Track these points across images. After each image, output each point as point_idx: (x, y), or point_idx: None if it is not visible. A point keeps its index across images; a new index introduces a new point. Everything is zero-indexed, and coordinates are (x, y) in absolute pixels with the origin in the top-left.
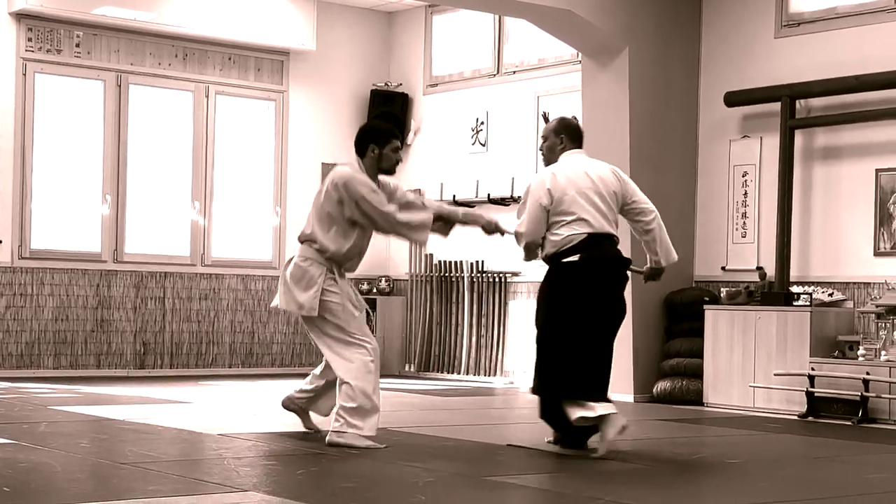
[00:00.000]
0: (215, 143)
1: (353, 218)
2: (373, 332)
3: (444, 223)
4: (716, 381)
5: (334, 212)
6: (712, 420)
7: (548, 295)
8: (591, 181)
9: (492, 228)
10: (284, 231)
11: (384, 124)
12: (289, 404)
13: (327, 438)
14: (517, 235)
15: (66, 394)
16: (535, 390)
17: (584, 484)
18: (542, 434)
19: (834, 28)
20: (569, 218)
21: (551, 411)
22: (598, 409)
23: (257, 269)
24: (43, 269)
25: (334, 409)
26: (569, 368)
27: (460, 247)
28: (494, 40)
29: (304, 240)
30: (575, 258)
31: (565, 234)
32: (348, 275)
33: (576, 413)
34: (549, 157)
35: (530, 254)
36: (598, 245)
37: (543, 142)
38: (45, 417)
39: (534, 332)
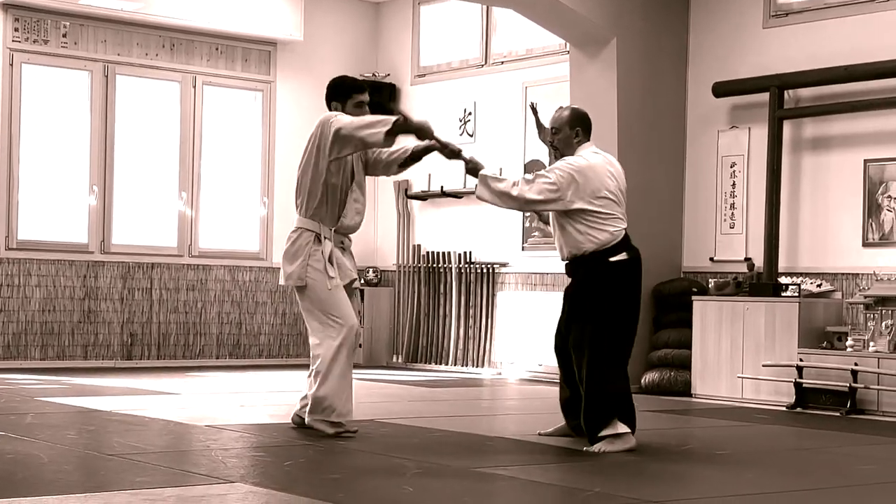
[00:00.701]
0: (202, 133)
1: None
2: (360, 322)
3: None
4: (704, 371)
5: (312, 159)
6: (700, 411)
7: (605, 294)
8: (615, 179)
9: (454, 151)
10: (272, 222)
11: (347, 79)
12: (295, 419)
13: (306, 420)
14: (520, 198)
15: (53, 385)
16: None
17: (572, 475)
18: (530, 425)
19: (822, 18)
20: (607, 217)
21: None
22: (620, 427)
23: (245, 260)
24: (30, 260)
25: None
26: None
27: (448, 238)
28: (482, 30)
29: (297, 207)
30: (623, 256)
31: (610, 231)
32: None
33: (614, 429)
34: (564, 150)
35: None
36: (630, 242)
37: (555, 134)
38: (32, 408)
39: (523, 323)
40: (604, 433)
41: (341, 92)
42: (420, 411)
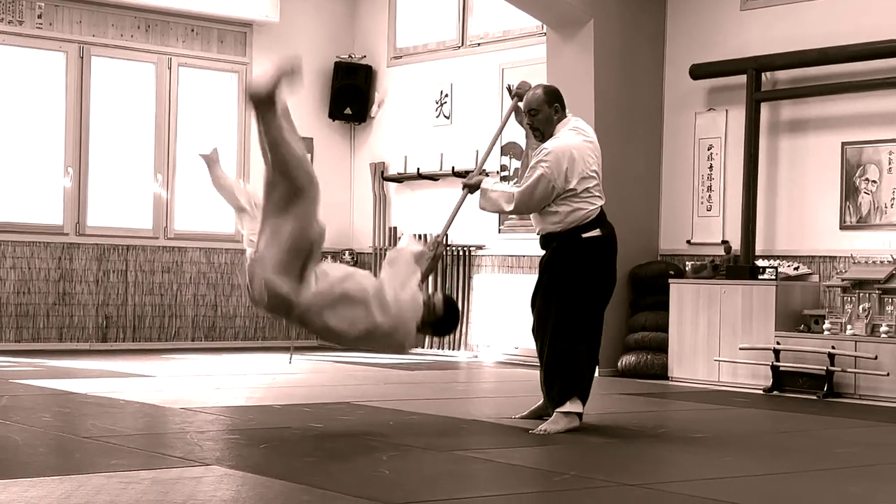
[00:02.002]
0: (178, 115)
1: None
2: None
3: None
4: (681, 355)
5: None
6: (677, 394)
7: (575, 270)
8: (594, 156)
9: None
10: None
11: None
12: None
13: None
14: (514, 203)
15: (28, 367)
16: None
17: (548, 458)
18: (506, 408)
19: (800, 0)
20: (585, 194)
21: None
22: (575, 406)
23: (220, 243)
24: (4, 242)
25: None
26: (587, 353)
27: (424, 220)
28: (459, 12)
29: None
30: (596, 233)
31: (586, 208)
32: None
33: (573, 407)
34: (545, 129)
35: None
36: (606, 218)
37: (534, 115)
38: (7, 391)
39: (499, 306)
40: (561, 410)
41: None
42: (396, 394)
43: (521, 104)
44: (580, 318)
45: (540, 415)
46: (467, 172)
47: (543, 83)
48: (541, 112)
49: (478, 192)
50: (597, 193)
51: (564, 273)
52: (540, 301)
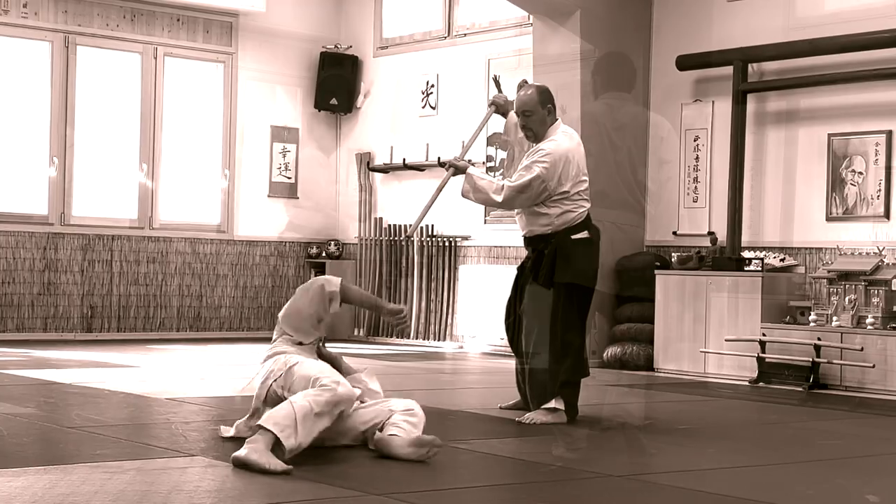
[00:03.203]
0: (163, 105)
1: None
2: None
3: None
4: (666, 346)
5: None
6: (663, 386)
7: (564, 271)
8: (584, 159)
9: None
10: (233, 194)
11: None
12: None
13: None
14: (503, 195)
15: (13, 357)
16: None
17: (534, 449)
18: (491, 399)
19: None
20: (576, 197)
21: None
22: (558, 404)
23: (205, 233)
24: None
25: None
26: (575, 354)
27: (410, 211)
28: (445, 2)
29: None
30: (584, 235)
31: (577, 211)
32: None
33: (557, 404)
34: (539, 130)
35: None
36: (591, 221)
37: (528, 117)
38: None
39: (485, 297)
40: (546, 406)
41: None
42: (381, 385)
43: (496, 114)
44: (565, 317)
45: (524, 407)
46: None
47: (535, 84)
48: (535, 114)
49: (462, 177)
50: (586, 196)
51: (553, 274)
52: (527, 294)
